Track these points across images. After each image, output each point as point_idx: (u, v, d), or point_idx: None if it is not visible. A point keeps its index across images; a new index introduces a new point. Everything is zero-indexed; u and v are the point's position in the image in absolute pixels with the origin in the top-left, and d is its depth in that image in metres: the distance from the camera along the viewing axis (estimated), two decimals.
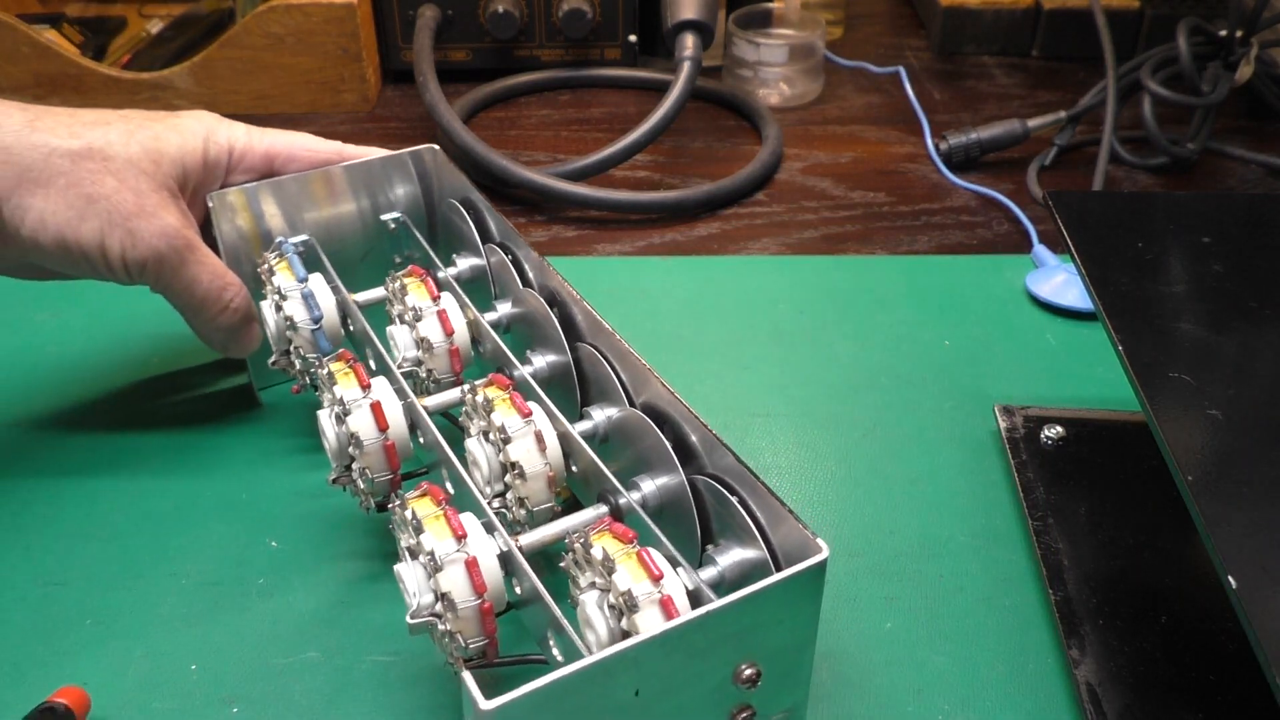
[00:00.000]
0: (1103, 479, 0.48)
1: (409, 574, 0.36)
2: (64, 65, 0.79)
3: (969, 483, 0.50)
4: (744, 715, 0.34)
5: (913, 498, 0.49)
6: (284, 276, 0.48)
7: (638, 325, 0.60)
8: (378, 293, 0.50)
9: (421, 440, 0.42)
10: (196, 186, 0.48)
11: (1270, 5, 0.73)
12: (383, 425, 0.42)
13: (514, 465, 0.40)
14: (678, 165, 0.77)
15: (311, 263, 0.51)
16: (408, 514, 0.36)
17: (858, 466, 0.51)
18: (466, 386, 0.42)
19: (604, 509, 0.39)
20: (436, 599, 0.35)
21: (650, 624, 0.32)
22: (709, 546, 0.37)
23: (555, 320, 0.45)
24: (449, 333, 0.46)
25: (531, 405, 0.41)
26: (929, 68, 0.91)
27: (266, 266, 0.49)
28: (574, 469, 0.41)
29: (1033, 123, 0.76)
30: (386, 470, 0.42)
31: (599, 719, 0.31)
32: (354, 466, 0.42)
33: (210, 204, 0.49)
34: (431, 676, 0.41)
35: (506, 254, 0.49)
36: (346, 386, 0.42)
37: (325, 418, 0.43)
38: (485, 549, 0.36)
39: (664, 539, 0.36)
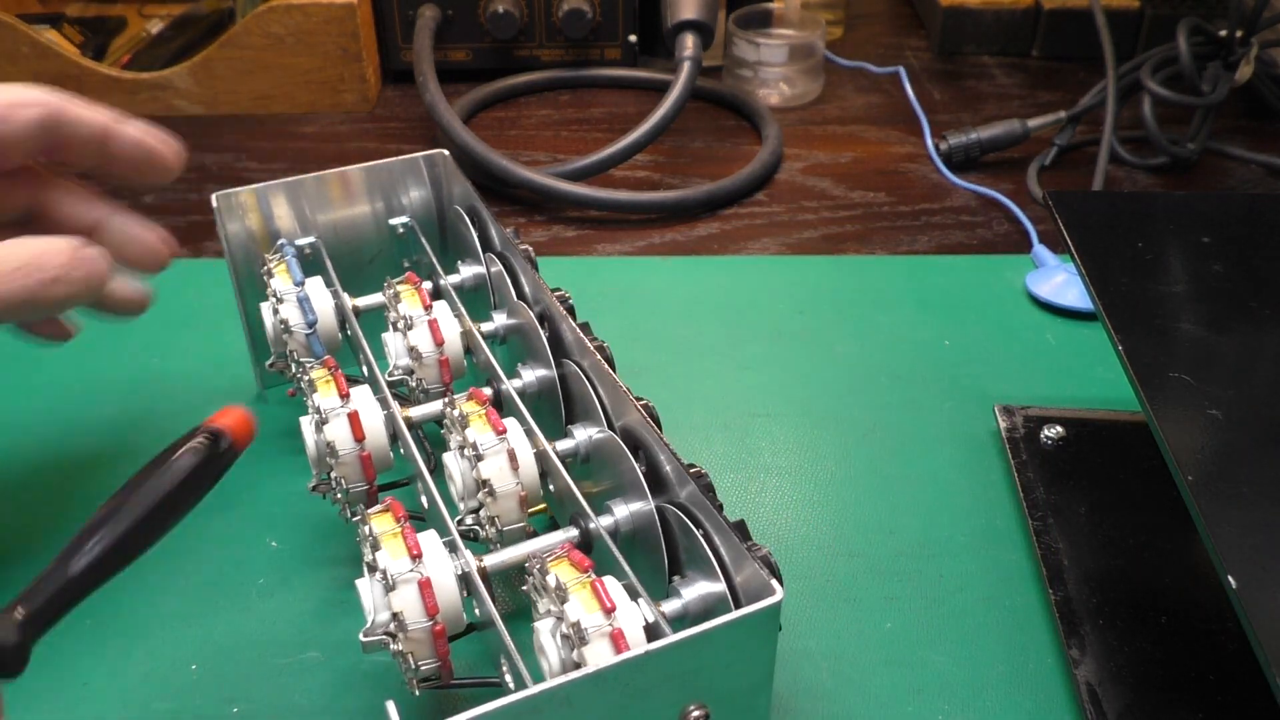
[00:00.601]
0: (1103, 479, 0.48)
1: (366, 590, 0.36)
2: (64, 65, 0.79)
3: (969, 483, 0.50)
4: None
5: (913, 498, 0.49)
6: (281, 279, 0.48)
7: (638, 325, 0.60)
8: (379, 298, 0.50)
9: (402, 452, 0.42)
10: None
11: (1270, 5, 0.73)
12: (359, 436, 0.41)
13: (484, 483, 0.39)
14: (678, 165, 0.77)
15: (317, 265, 0.51)
16: (366, 529, 0.36)
17: (858, 466, 0.51)
18: (447, 400, 0.42)
19: (574, 532, 0.38)
20: (392, 617, 0.35)
21: (599, 657, 0.32)
22: (675, 578, 0.36)
23: (543, 335, 0.44)
24: (439, 342, 0.46)
25: (509, 422, 0.41)
26: (929, 68, 0.91)
27: (266, 268, 0.49)
28: (551, 488, 0.41)
29: (1033, 123, 0.76)
30: (362, 481, 0.42)
31: None
32: (332, 475, 0.42)
33: (215, 204, 0.49)
34: None
35: (505, 264, 0.49)
36: (325, 395, 0.42)
37: (306, 425, 0.43)
38: (443, 570, 0.35)
39: (628, 568, 0.35)
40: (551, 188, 0.70)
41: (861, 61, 0.91)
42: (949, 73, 0.90)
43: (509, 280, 0.48)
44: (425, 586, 0.35)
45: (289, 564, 0.46)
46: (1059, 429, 0.50)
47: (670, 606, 0.35)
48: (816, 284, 0.64)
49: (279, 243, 0.50)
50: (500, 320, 0.49)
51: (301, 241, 0.51)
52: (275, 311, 0.48)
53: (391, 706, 0.30)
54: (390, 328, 0.48)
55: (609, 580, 0.34)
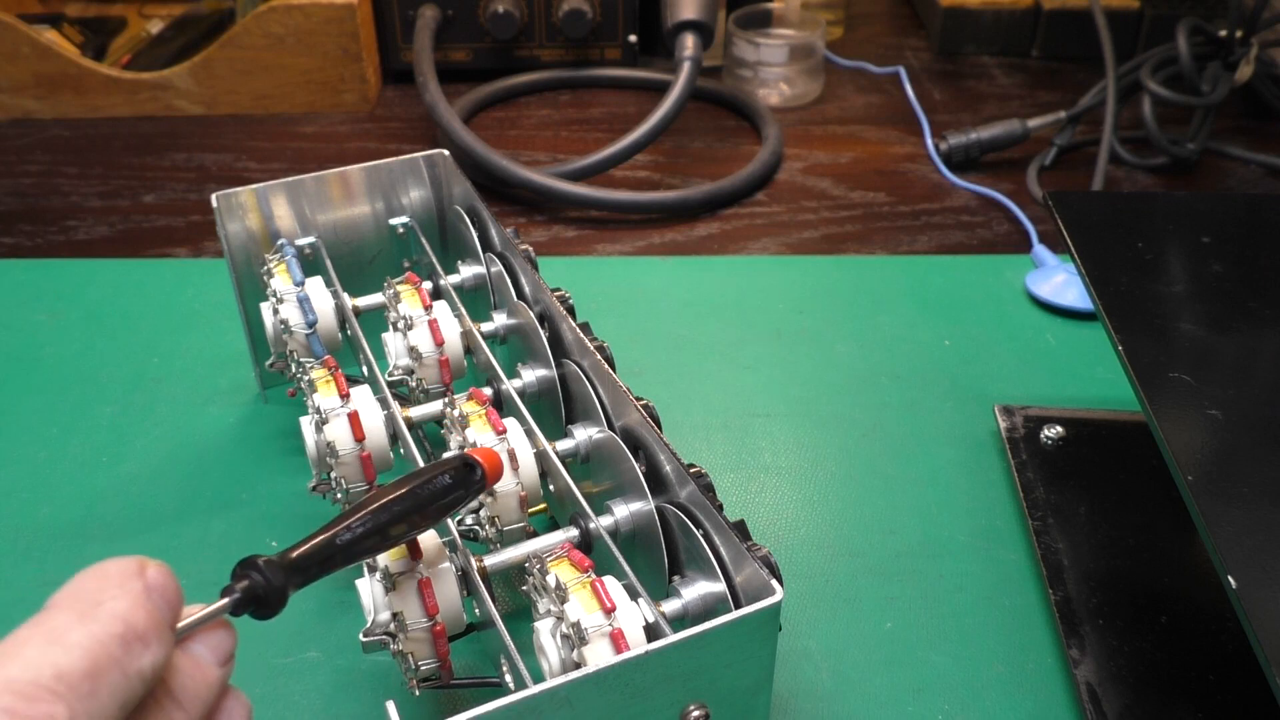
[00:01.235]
0: (1103, 479, 0.48)
1: (366, 590, 0.36)
2: (64, 65, 0.79)
3: (969, 483, 0.50)
4: None
5: (913, 497, 0.49)
6: (281, 279, 0.48)
7: (638, 325, 0.60)
8: (379, 298, 0.50)
9: (402, 452, 0.42)
10: None
11: (1270, 5, 0.73)
12: (359, 436, 0.41)
13: None
14: (678, 165, 0.77)
15: (317, 265, 0.51)
16: None
17: (858, 466, 0.51)
18: (447, 400, 0.42)
19: (574, 532, 0.38)
20: (392, 617, 0.35)
21: (599, 657, 0.32)
22: (675, 578, 0.36)
23: (543, 335, 0.44)
24: (439, 343, 0.46)
25: (509, 422, 0.41)
26: (929, 68, 0.91)
27: (267, 268, 0.49)
28: (551, 488, 0.41)
29: (1033, 123, 0.76)
30: (362, 481, 0.42)
31: None
32: (332, 475, 0.42)
33: (215, 204, 0.49)
34: None
35: (505, 264, 0.49)
36: (325, 395, 0.42)
37: (306, 425, 0.42)
38: (443, 569, 0.36)
39: (627, 568, 0.35)
40: (551, 188, 0.70)
41: (861, 61, 0.91)
42: (949, 73, 0.90)
43: (509, 280, 0.48)
44: (426, 586, 0.35)
45: None
46: (1059, 429, 0.50)
47: (670, 606, 0.35)
48: (816, 284, 0.64)
49: (279, 243, 0.50)
50: (500, 320, 0.49)
51: (301, 241, 0.51)
52: (275, 311, 0.48)
53: (391, 706, 0.30)
54: (390, 328, 0.47)
55: (609, 580, 0.34)
